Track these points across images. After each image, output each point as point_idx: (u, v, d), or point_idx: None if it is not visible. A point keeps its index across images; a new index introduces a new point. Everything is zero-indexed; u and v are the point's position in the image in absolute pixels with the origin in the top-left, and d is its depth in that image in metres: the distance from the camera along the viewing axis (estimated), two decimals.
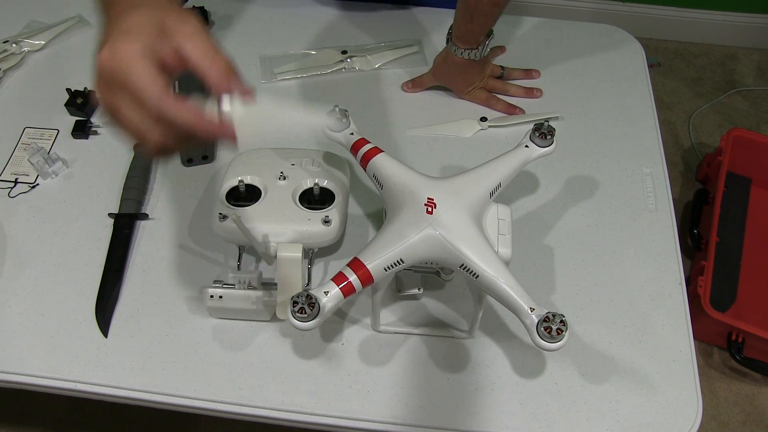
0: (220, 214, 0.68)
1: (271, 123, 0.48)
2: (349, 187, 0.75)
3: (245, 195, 0.72)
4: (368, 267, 0.55)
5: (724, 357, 1.39)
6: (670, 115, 1.86)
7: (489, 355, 0.68)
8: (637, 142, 0.88)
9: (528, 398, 0.65)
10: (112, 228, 0.76)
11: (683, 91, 1.92)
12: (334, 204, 0.71)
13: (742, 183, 1.60)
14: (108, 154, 0.84)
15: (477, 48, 0.83)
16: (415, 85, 0.92)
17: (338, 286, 0.54)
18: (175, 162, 0.83)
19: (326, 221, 0.69)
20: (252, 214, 0.69)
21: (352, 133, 0.67)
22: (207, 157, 0.83)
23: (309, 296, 0.53)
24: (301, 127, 0.57)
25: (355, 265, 0.55)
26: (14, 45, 0.94)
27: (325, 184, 0.72)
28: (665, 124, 1.83)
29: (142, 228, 0.77)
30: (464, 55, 0.83)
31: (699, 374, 0.67)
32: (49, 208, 0.79)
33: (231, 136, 0.45)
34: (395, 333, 0.69)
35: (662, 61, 2.00)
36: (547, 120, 0.66)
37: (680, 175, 1.72)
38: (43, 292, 0.71)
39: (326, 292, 0.54)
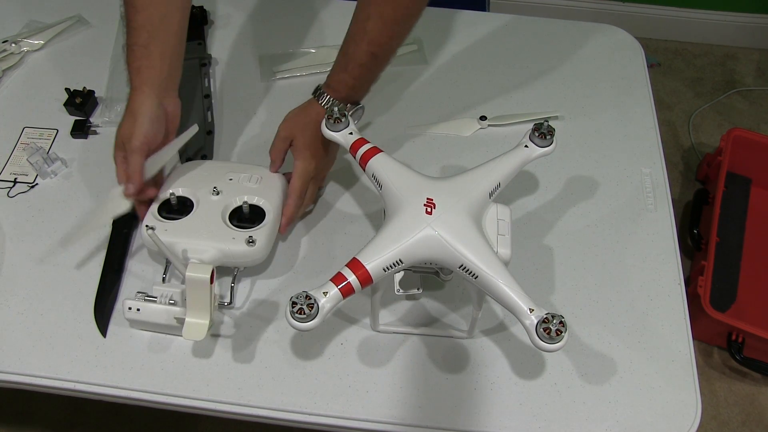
0: (146, 225, 0.67)
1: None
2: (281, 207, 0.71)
3: (177, 207, 0.70)
4: (367, 267, 0.55)
5: (724, 357, 1.39)
6: (670, 115, 1.85)
7: (488, 355, 0.68)
8: (636, 142, 0.88)
9: (527, 398, 0.65)
10: (110, 228, 0.76)
11: (683, 91, 1.92)
12: (262, 224, 0.68)
13: (742, 183, 1.59)
14: (107, 153, 0.83)
15: (343, 104, 0.72)
16: (275, 158, 0.74)
17: (337, 286, 0.54)
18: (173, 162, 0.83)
19: (250, 242, 0.66)
20: (178, 229, 0.67)
21: (351, 133, 0.67)
22: (205, 156, 0.83)
23: (308, 297, 0.53)
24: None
25: (354, 265, 0.55)
26: (13, 45, 0.94)
27: (255, 201, 0.70)
28: (665, 124, 1.83)
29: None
30: (327, 105, 0.72)
31: (699, 374, 0.67)
32: (48, 208, 0.78)
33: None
34: (394, 333, 0.69)
35: (662, 61, 2.00)
36: (546, 120, 0.66)
37: (680, 175, 1.72)
38: (42, 291, 0.71)
39: (325, 293, 0.54)
